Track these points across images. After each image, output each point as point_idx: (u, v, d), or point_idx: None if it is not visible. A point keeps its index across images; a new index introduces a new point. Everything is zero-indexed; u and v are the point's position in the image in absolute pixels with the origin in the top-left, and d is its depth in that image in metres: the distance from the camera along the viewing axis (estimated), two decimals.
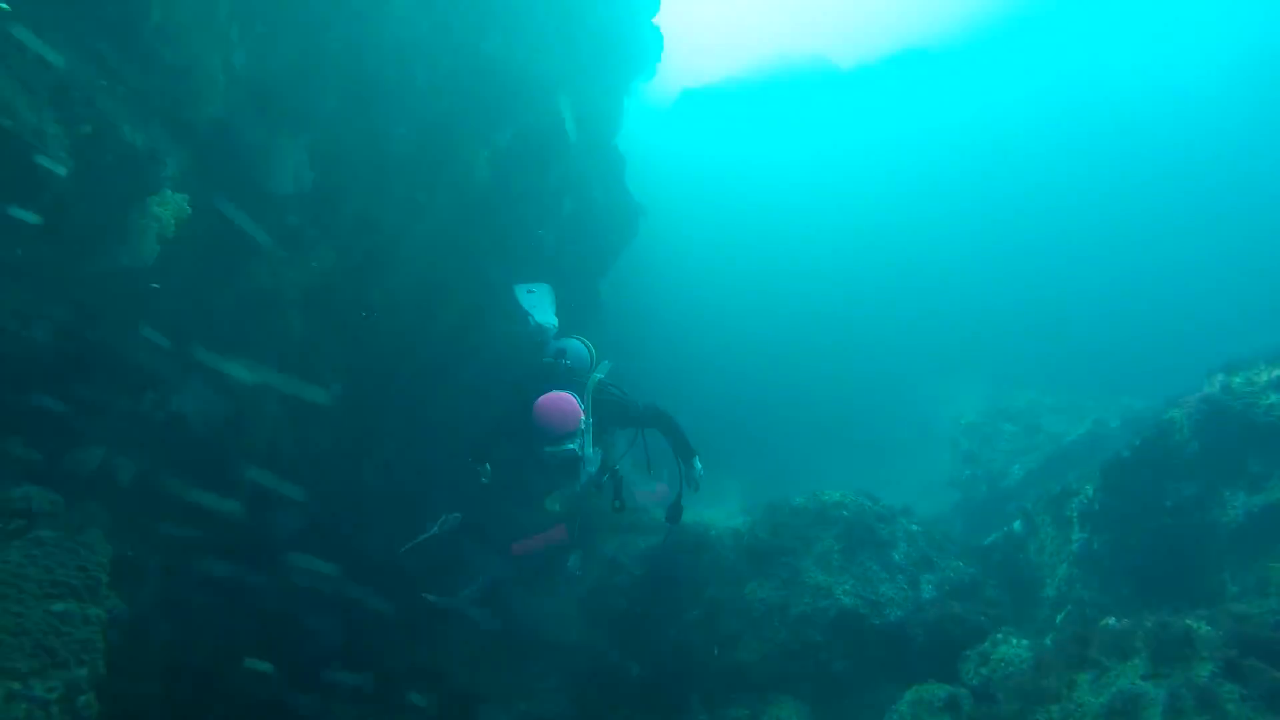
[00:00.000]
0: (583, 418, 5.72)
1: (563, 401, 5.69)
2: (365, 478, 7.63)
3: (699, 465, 6.16)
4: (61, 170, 3.51)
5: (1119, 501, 6.98)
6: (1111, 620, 5.16)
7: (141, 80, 4.37)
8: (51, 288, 3.98)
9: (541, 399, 5.72)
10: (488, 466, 6.03)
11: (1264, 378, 6.58)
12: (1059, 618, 6.96)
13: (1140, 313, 20.15)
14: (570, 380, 6.10)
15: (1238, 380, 6.71)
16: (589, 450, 5.73)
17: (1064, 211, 22.75)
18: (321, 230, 6.57)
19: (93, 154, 3.80)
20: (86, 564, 3.40)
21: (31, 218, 3.30)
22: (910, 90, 24.44)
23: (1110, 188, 23.31)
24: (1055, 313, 20.20)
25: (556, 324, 7.44)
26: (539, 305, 7.52)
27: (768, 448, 14.51)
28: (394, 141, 7.16)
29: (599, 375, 6.37)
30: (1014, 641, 6.22)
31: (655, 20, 14.21)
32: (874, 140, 23.16)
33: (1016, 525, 8.45)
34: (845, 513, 8.41)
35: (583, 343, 6.97)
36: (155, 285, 4.54)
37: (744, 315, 17.43)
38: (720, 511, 9.97)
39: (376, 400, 7.62)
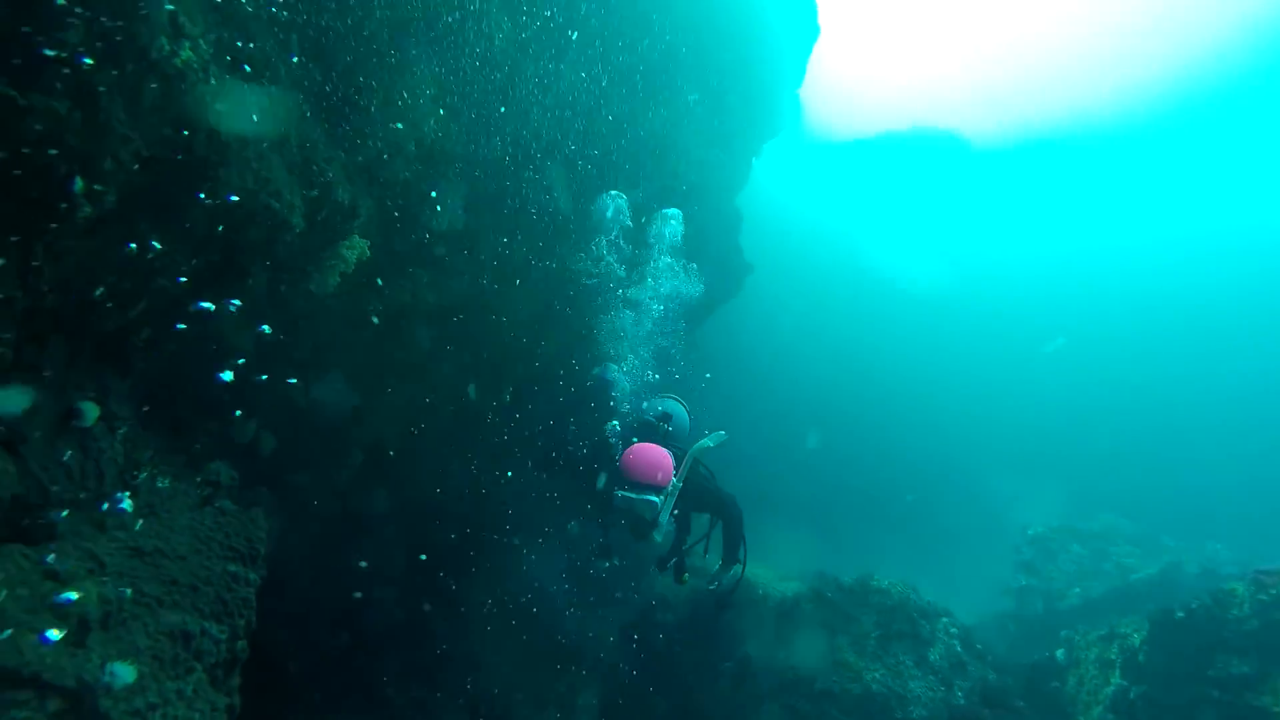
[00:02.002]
0: (673, 480, 5.49)
1: (657, 455, 5.51)
2: (452, 473, 8.57)
3: (736, 572, 5.88)
4: (300, 226, 4.50)
5: (1164, 659, 6.99)
6: None
7: (354, 150, 5.38)
8: (259, 308, 5.01)
9: (639, 445, 5.58)
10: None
11: None
12: None
13: (1251, 457, 18.80)
14: (668, 444, 5.95)
15: None
16: (665, 516, 5.45)
17: (1189, 335, 21.33)
18: (464, 261, 7.54)
19: (313, 211, 4.80)
20: (252, 536, 4.34)
21: (232, 305, 4.28)
22: (1040, 177, 23.73)
23: (1252, 321, 21.49)
24: (1156, 439, 19.10)
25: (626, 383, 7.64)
26: (619, 381, 7.70)
27: (834, 510, 14.66)
28: (537, 189, 8.08)
29: (709, 443, 6.03)
30: None
31: (799, 91, 14.82)
32: (994, 221, 22.65)
33: (1060, 653, 8.53)
34: (889, 601, 8.68)
35: (682, 405, 6.97)
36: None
37: (834, 375, 17.54)
38: (775, 570, 10.37)
39: (479, 409, 8.56)
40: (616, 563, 6.71)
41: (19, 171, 2.71)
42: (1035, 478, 15.25)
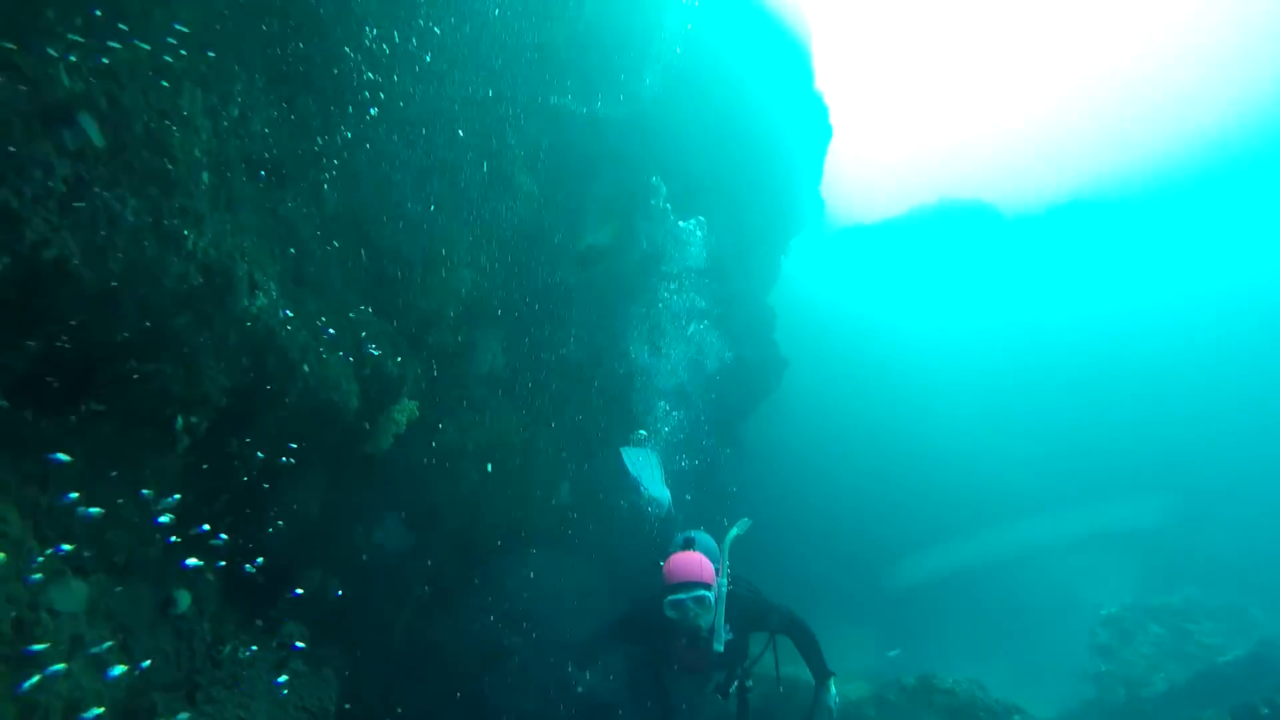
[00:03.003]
0: (718, 579, 5.32)
1: (695, 557, 5.38)
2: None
3: (834, 691, 5.47)
4: (356, 405, 5.13)
5: None
6: None
7: (402, 321, 6.09)
8: (323, 468, 5.62)
9: (674, 555, 5.43)
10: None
11: None
12: None
13: None
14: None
15: None
16: (721, 618, 5.20)
17: (1260, 394, 20.31)
18: (506, 399, 8.16)
19: (367, 388, 5.45)
20: (323, 695, 4.78)
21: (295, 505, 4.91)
22: (1078, 242, 23.59)
23: None
24: (1233, 498, 18.06)
25: (669, 497, 7.71)
26: (647, 473, 7.82)
27: (892, 600, 14.32)
28: (566, 326, 8.74)
29: (738, 531, 6.01)
30: None
31: (819, 187, 15.51)
32: (1035, 291, 22.46)
33: None
34: (955, 701, 8.50)
35: (709, 536, 6.87)
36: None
37: (885, 460, 17.32)
38: (835, 667, 10.22)
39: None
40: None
41: (138, 424, 3.35)
42: (1103, 550, 14.66)
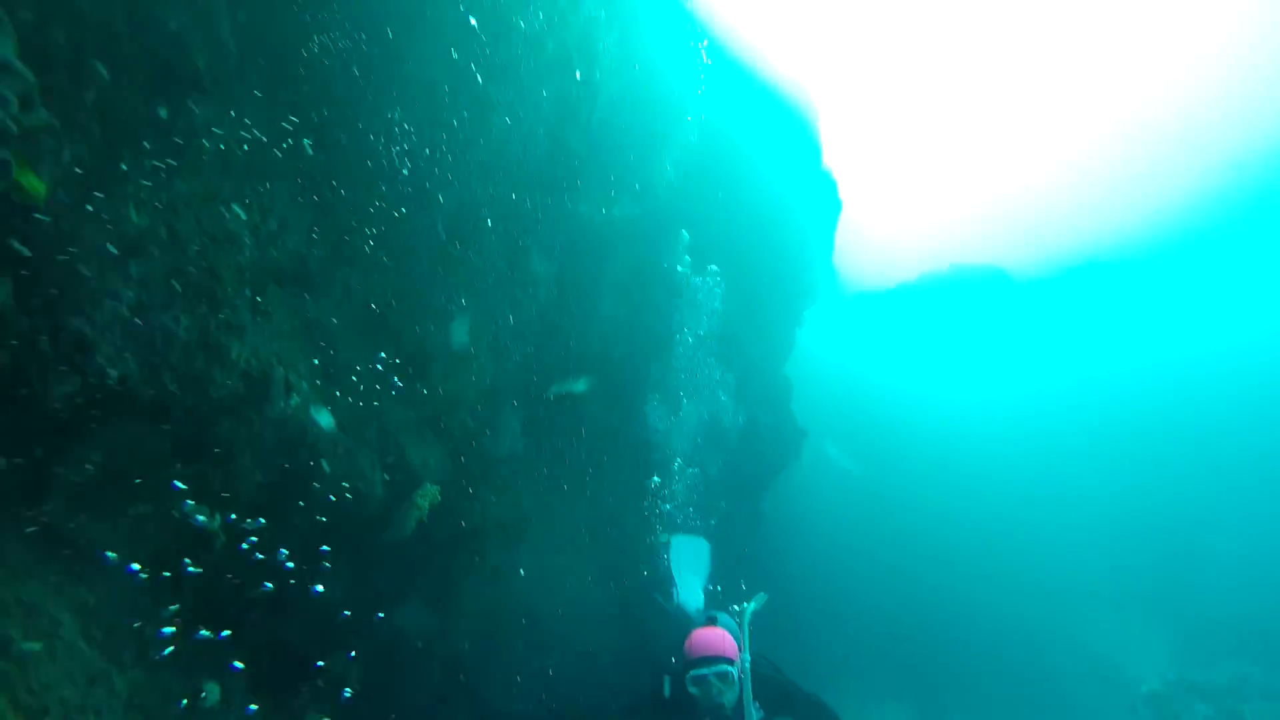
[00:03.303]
0: (741, 655, 5.24)
1: (718, 632, 5.30)
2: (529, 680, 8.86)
3: None
4: (380, 494, 5.34)
5: None
6: None
7: (425, 408, 6.35)
8: (347, 555, 5.80)
9: (695, 631, 5.34)
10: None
11: None
12: None
13: None
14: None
15: None
16: (748, 694, 5.07)
17: None
18: (526, 480, 8.33)
19: (390, 471, 5.67)
20: None
21: (317, 589, 5.10)
22: (1094, 304, 23.63)
23: None
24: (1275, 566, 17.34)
25: (701, 605, 7.35)
26: (689, 571, 7.62)
27: (928, 676, 13.87)
28: (584, 401, 8.96)
29: (754, 605, 5.95)
30: None
31: (831, 258, 15.87)
32: (1052, 354, 22.38)
33: None
34: None
35: (733, 618, 6.63)
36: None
37: (909, 530, 17.02)
38: None
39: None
40: None
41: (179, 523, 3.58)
42: (1142, 618, 14.13)
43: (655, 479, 10.05)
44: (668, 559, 7.94)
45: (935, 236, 26.73)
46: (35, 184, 2.95)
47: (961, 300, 22.32)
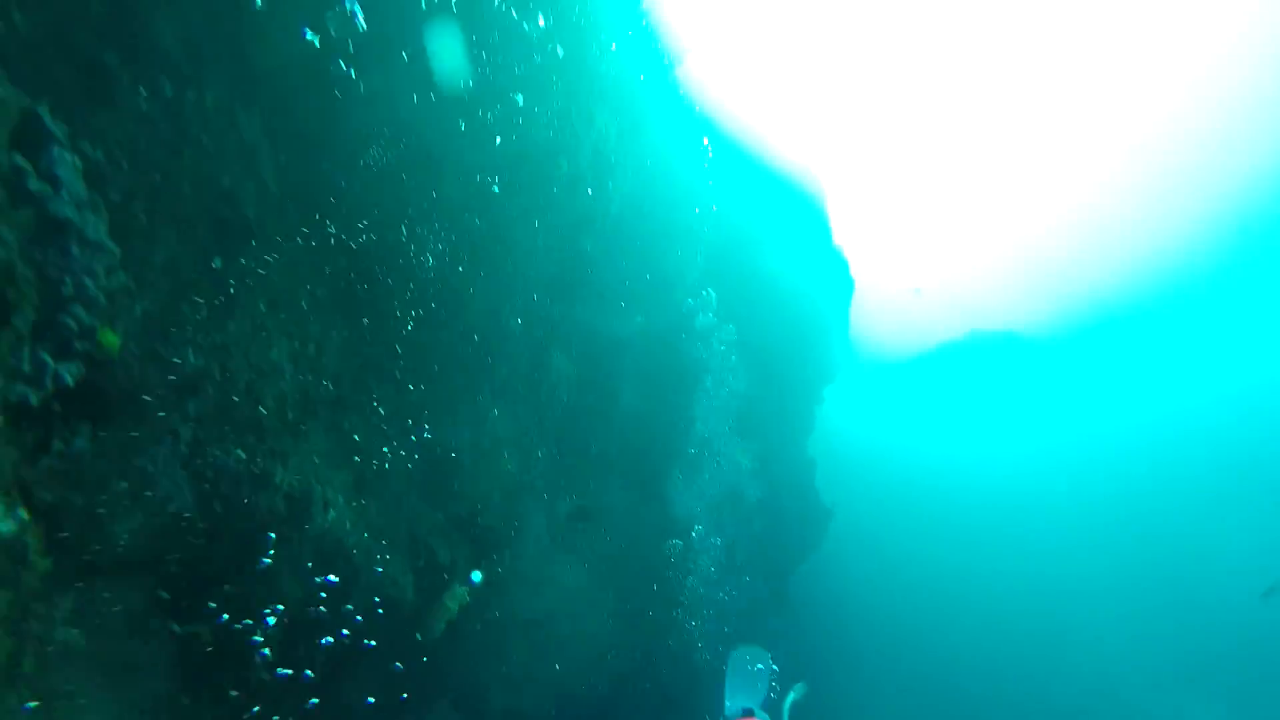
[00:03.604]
0: None
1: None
2: None
3: None
4: (411, 598, 5.53)
5: None
6: None
7: (452, 508, 6.60)
8: (378, 660, 5.93)
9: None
10: None
11: None
12: None
13: None
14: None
15: None
16: None
17: None
18: (552, 568, 8.45)
19: (420, 575, 5.88)
20: None
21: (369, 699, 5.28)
22: (1110, 359, 23.38)
23: None
24: None
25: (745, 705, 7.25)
26: (745, 692, 7.32)
27: None
28: (607, 491, 9.14)
29: (795, 695, 6.15)
30: None
31: (848, 335, 16.11)
32: (1070, 414, 22.05)
33: None
34: None
35: (770, 711, 6.84)
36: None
37: (942, 597, 16.54)
38: None
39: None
40: None
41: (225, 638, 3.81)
42: (1195, 691, 13.38)
43: (689, 582, 10.06)
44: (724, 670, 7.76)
45: (949, 301, 26.87)
46: (111, 339, 3.36)
47: (980, 367, 22.29)
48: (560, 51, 6.54)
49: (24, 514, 2.59)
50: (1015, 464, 20.70)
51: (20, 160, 2.76)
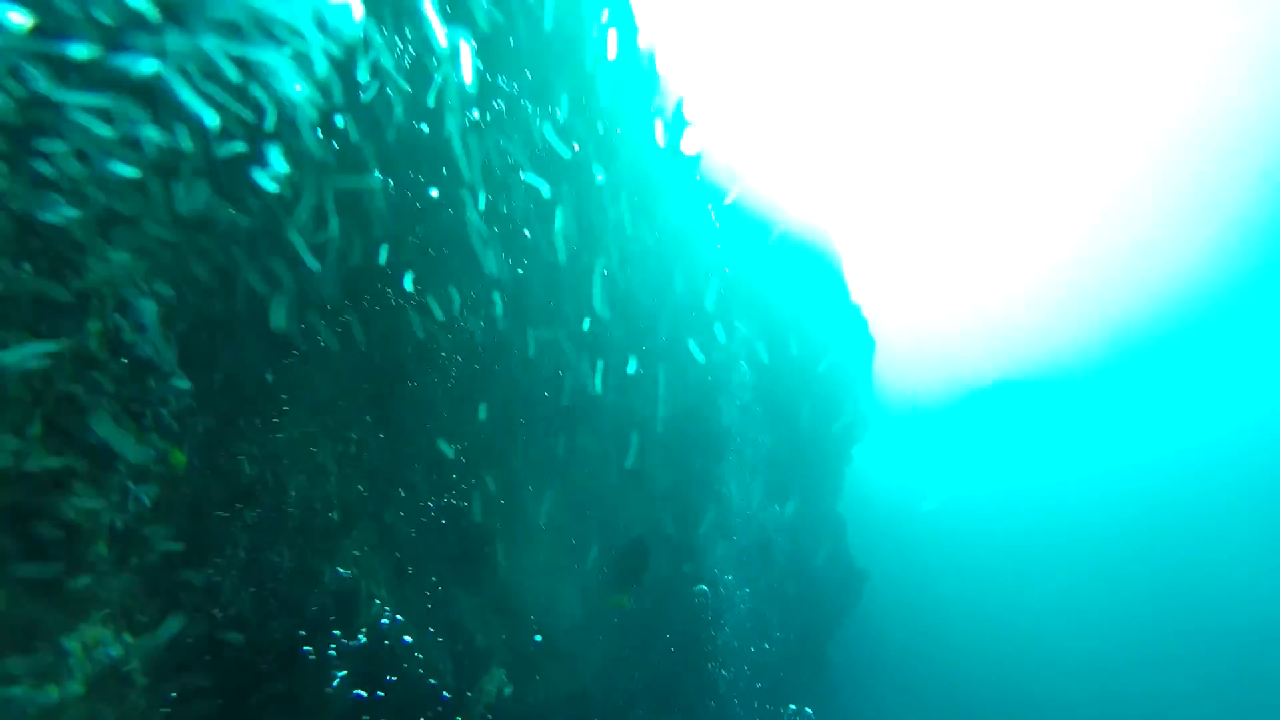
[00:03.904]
0: None
1: None
2: None
3: None
4: (451, 687, 5.68)
5: None
6: None
7: (488, 591, 6.78)
8: None
9: None
10: None
11: None
12: None
13: None
14: None
15: None
16: None
17: None
18: (586, 647, 8.50)
19: (458, 660, 6.03)
20: None
21: None
22: (1124, 398, 22.96)
23: None
24: None
25: None
26: None
27: None
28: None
29: None
30: None
31: (872, 392, 16.17)
32: (1082, 453, 21.57)
33: None
34: None
35: None
36: None
37: (991, 651, 15.99)
38: None
39: None
40: None
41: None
42: None
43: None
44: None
45: (974, 347, 26.67)
46: (179, 458, 3.71)
47: (1009, 413, 22.07)
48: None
49: (129, 638, 2.88)
50: (1052, 503, 20.27)
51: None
